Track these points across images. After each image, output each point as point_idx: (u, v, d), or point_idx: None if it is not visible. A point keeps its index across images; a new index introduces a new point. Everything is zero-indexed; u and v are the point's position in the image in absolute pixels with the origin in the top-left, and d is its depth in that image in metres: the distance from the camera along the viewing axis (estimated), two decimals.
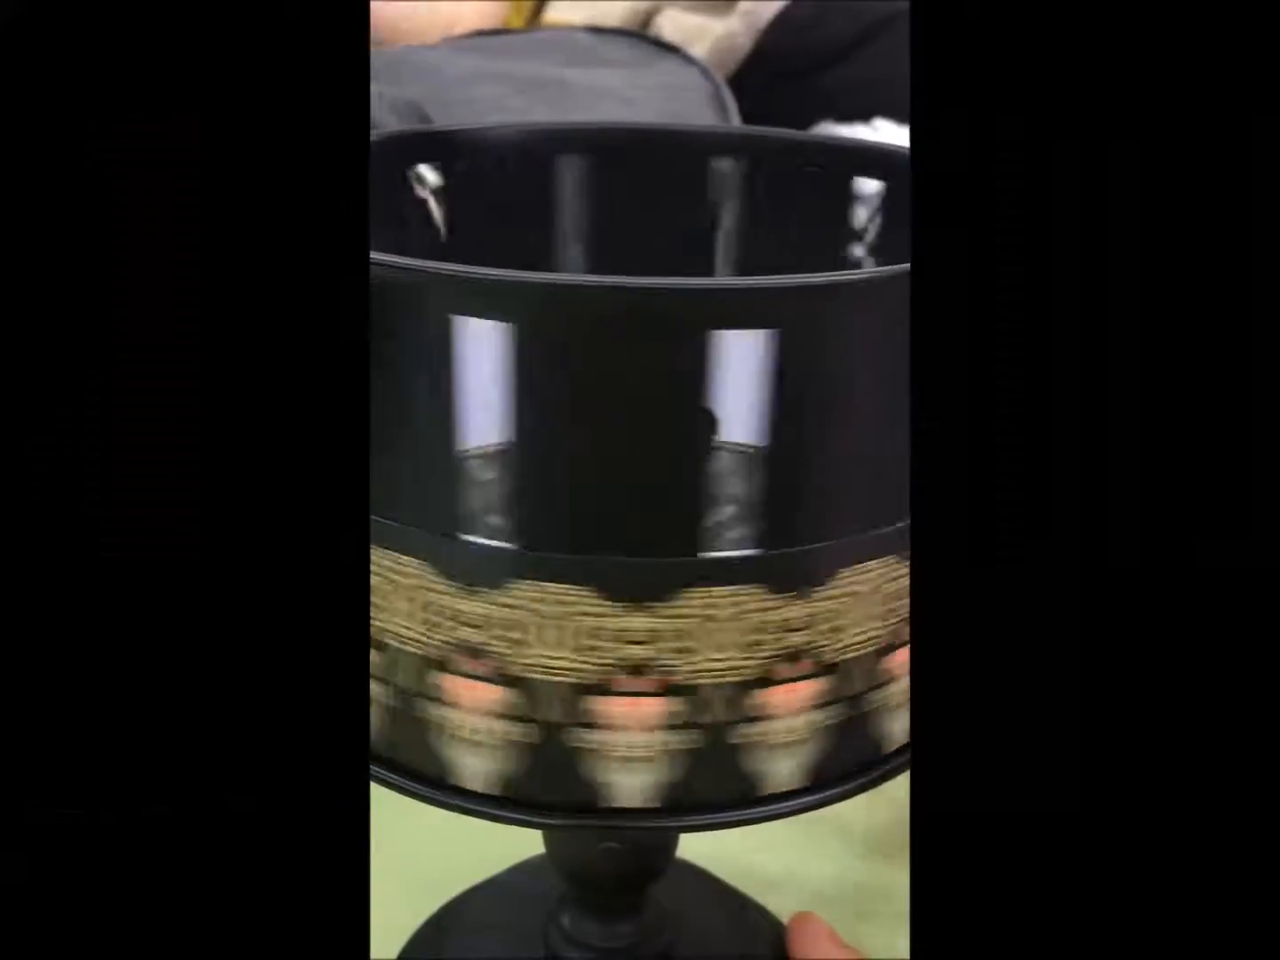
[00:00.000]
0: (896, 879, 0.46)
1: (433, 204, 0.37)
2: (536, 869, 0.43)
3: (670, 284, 0.23)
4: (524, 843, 0.42)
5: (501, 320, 0.23)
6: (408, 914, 0.44)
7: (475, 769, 0.28)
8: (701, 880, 0.45)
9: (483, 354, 0.24)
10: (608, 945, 0.39)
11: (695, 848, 0.44)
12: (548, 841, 0.37)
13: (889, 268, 0.24)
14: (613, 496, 0.25)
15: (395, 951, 0.42)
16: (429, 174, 0.37)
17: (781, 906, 0.44)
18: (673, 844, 0.38)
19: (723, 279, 0.24)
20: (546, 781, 0.27)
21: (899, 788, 0.31)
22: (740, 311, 0.24)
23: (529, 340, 0.24)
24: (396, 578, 0.26)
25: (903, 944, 0.42)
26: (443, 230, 0.37)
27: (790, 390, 0.24)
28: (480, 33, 0.85)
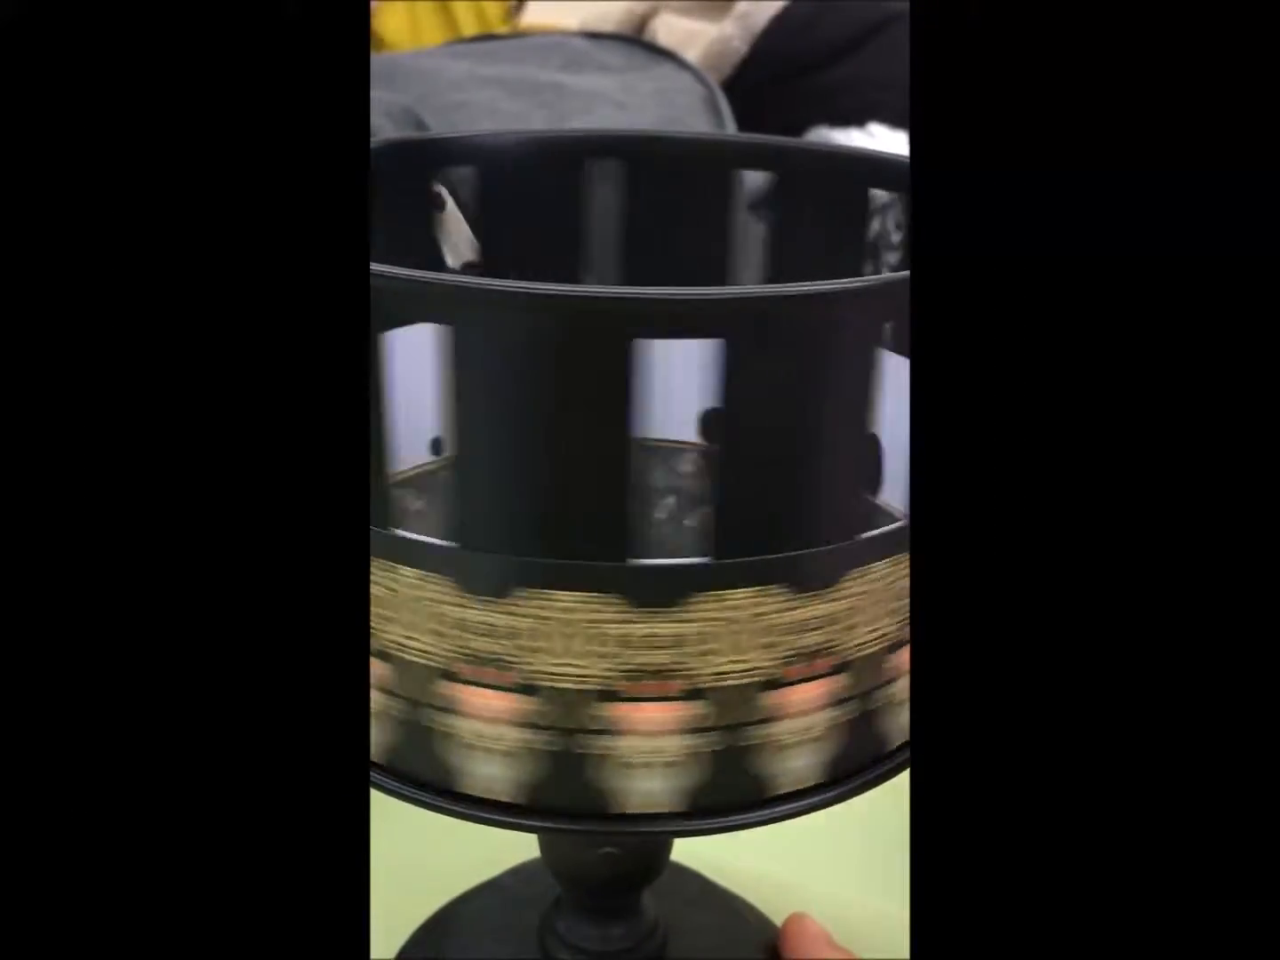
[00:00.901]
0: (890, 881, 0.46)
1: (451, 212, 0.37)
2: (533, 872, 0.43)
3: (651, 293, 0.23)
4: (521, 846, 0.42)
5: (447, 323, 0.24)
6: (405, 916, 0.44)
7: (491, 777, 0.28)
8: (695, 883, 0.45)
9: (437, 363, 0.24)
10: (602, 948, 0.39)
11: (689, 850, 0.44)
12: (543, 845, 0.37)
13: (902, 273, 0.25)
14: (624, 502, 0.25)
15: (392, 953, 0.43)
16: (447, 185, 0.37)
17: (775, 908, 0.44)
18: (668, 847, 0.38)
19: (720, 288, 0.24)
20: (563, 788, 0.28)
21: (891, 789, 0.31)
22: (759, 316, 0.24)
23: (491, 347, 0.24)
24: (398, 589, 0.27)
25: (897, 947, 0.42)
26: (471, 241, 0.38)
27: (804, 396, 0.24)
28: (475, 38, 0.85)
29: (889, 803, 0.33)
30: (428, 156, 0.37)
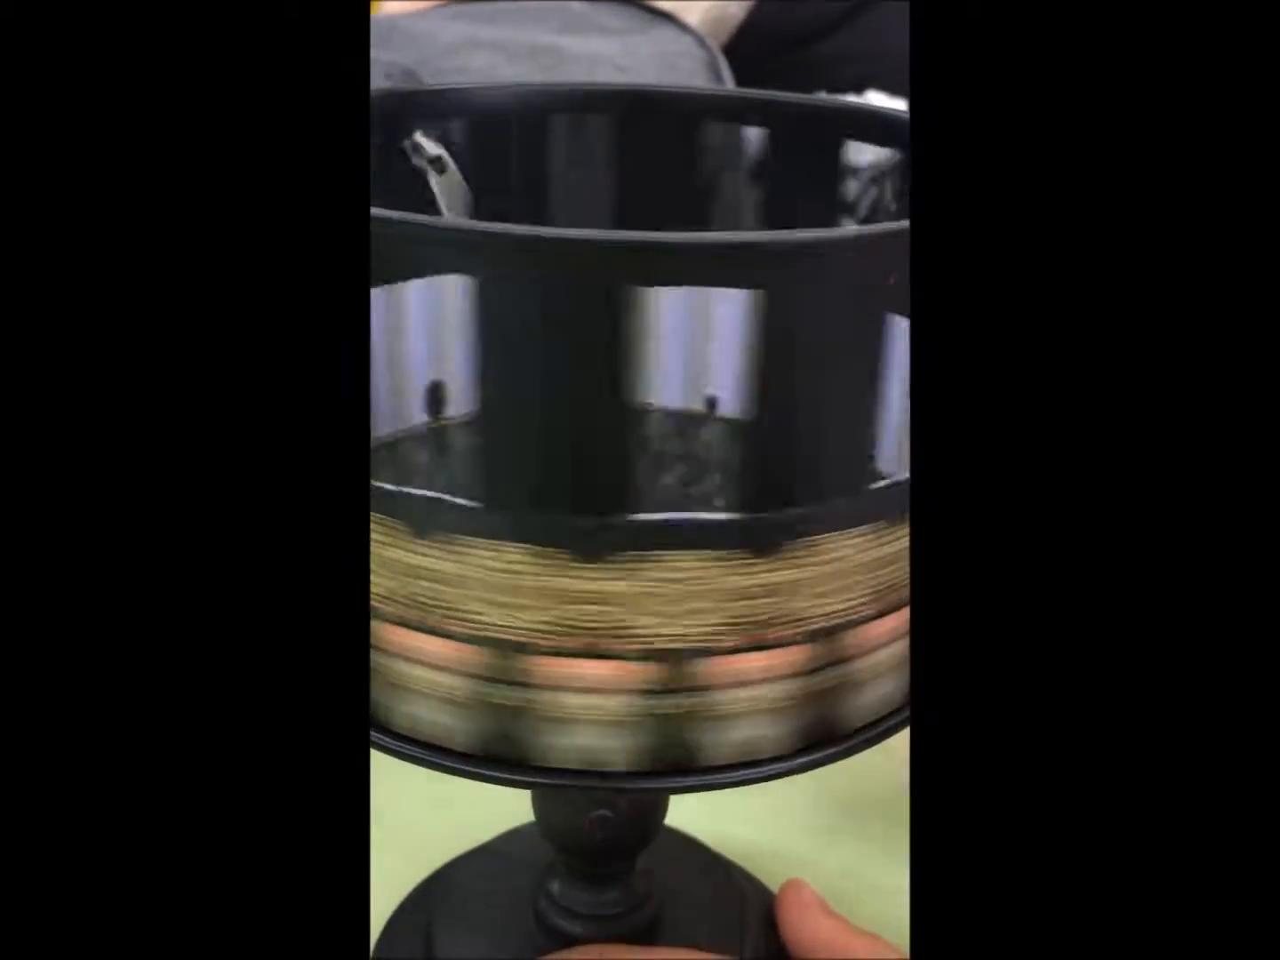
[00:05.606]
0: (887, 848, 0.46)
1: (430, 174, 0.37)
2: (527, 837, 0.43)
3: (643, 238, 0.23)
4: (515, 810, 0.42)
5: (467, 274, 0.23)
6: (399, 879, 0.44)
7: (447, 727, 0.28)
8: (690, 848, 0.45)
9: (451, 315, 0.24)
10: (596, 913, 0.39)
11: (684, 817, 0.44)
12: (538, 809, 0.37)
13: (868, 227, 0.24)
14: (587, 457, 0.25)
15: (385, 915, 0.43)
16: (426, 143, 0.37)
17: (771, 875, 0.44)
18: (661, 812, 0.38)
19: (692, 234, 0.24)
20: (523, 742, 0.27)
21: (888, 757, 0.31)
22: (718, 269, 0.24)
23: (494, 298, 0.24)
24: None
25: (894, 914, 0.42)
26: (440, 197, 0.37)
27: (771, 354, 0.24)
28: None
29: (887, 771, 0.33)
30: (398, 113, 0.37)
